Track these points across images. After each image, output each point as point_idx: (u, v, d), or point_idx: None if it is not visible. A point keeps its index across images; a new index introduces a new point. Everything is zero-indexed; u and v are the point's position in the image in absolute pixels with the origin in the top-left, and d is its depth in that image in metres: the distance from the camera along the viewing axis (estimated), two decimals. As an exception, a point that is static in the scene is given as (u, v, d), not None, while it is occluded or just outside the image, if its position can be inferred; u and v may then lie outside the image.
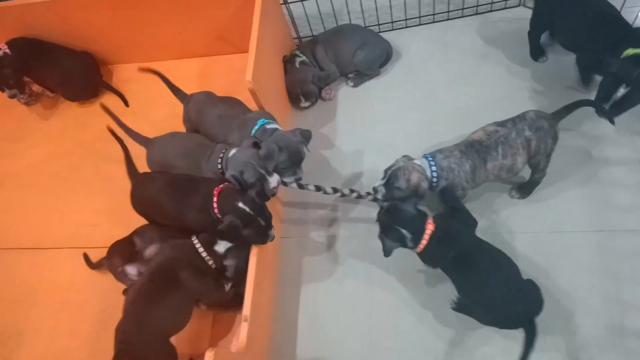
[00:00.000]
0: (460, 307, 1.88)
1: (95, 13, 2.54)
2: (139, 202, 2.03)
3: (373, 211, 1.95)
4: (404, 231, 1.71)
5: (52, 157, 2.67)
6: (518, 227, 2.01)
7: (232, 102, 2.18)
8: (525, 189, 2.05)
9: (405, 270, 2.02)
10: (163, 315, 1.72)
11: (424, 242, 1.71)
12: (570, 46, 2.16)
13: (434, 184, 1.84)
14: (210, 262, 1.78)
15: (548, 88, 2.27)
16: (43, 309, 2.26)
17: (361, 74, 2.47)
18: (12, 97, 2.64)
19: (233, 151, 1.91)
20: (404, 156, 1.88)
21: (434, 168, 1.82)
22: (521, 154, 1.83)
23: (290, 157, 1.92)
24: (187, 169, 2.01)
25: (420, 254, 1.78)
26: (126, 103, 2.70)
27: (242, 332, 1.71)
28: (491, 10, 2.57)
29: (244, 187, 1.85)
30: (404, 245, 1.74)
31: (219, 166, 1.94)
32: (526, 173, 2.00)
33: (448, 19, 2.60)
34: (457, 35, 2.55)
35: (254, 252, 1.84)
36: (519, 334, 1.64)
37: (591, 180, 2.05)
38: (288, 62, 2.44)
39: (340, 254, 2.13)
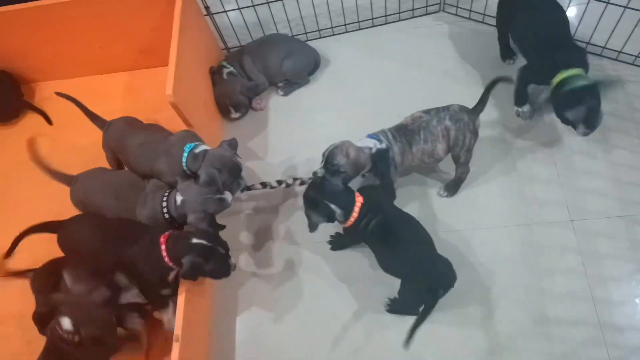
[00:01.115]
0: (393, 308, 1.91)
1: (8, 30, 2.42)
2: (67, 246, 1.91)
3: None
4: (333, 206, 1.73)
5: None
6: (443, 226, 2.06)
7: (153, 129, 2.12)
8: (451, 187, 2.11)
9: (339, 270, 2.05)
10: None
11: (354, 215, 1.74)
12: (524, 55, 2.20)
13: (383, 150, 1.87)
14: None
15: (475, 91, 2.32)
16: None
17: (291, 83, 2.48)
18: None
19: (179, 196, 1.84)
20: (341, 141, 1.89)
21: (382, 137, 1.89)
22: (441, 142, 1.90)
23: (230, 173, 1.92)
24: (115, 213, 1.92)
25: (347, 228, 1.81)
26: (49, 121, 2.59)
27: (173, 353, 1.67)
28: (413, 17, 2.64)
29: (209, 224, 1.81)
30: (332, 220, 1.76)
31: (164, 211, 1.86)
32: (452, 170, 2.07)
33: (373, 26, 2.65)
34: (382, 41, 2.60)
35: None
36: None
37: (511, 174, 2.14)
38: (215, 73, 2.41)
39: (276, 257, 2.14)
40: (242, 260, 2.15)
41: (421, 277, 1.71)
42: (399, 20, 2.65)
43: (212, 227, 1.79)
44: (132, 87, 2.67)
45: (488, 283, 1.93)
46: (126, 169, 2.16)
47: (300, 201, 2.06)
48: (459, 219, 2.07)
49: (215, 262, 1.72)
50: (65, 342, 1.69)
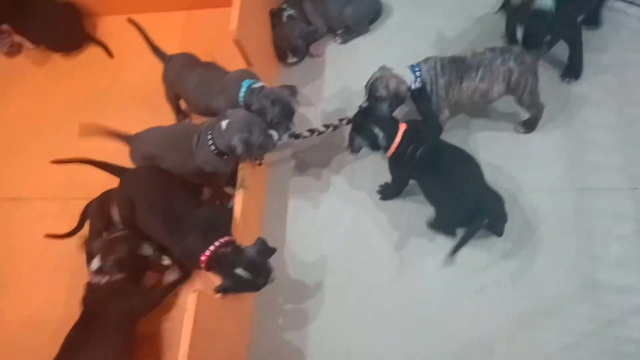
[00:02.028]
0: (434, 224, 1.93)
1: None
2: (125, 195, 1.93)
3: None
4: (376, 130, 1.77)
5: (33, 111, 2.63)
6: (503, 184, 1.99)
7: (211, 66, 2.13)
8: (529, 125, 2.06)
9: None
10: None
11: (397, 140, 1.78)
12: None
13: (417, 90, 1.89)
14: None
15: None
16: (22, 261, 2.27)
17: (349, 31, 2.44)
18: None
19: (224, 122, 1.82)
20: (380, 67, 1.93)
21: (418, 73, 1.88)
22: (499, 84, 1.86)
23: (283, 110, 1.90)
24: (175, 162, 1.95)
25: (390, 158, 1.84)
26: (110, 54, 2.64)
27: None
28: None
29: (250, 151, 1.81)
30: (375, 144, 1.80)
31: (212, 145, 1.85)
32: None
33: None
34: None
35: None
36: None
37: (569, 135, 2.06)
38: (275, 15, 2.39)
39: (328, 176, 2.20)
40: (291, 204, 2.19)
41: (466, 200, 1.73)
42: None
43: (263, 253, 1.72)
44: (189, 27, 2.69)
45: (535, 244, 1.91)
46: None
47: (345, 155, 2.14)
48: (507, 177, 2.02)
49: (249, 289, 1.73)
50: (96, 291, 1.80)
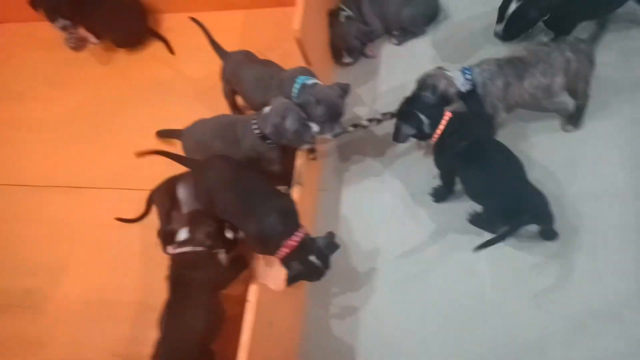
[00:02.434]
0: (474, 219, 1.93)
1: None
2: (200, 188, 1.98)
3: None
4: (421, 116, 1.80)
5: (94, 102, 2.73)
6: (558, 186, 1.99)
7: (268, 64, 2.18)
8: (575, 119, 2.04)
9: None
10: (194, 318, 1.78)
11: (440, 127, 1.80)
12: None
13: (466, 93, 1.92)
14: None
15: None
16: (82, 246, 2.37)
17: (406, 32, 2.45)
18: (63, 28, 2.64)
19: (266, 109, 1.91)
20: (436, 67, 1.96)
21: (468, 76, 1.90)
22: (560, 75, 1.86)
23: (328, 110, 1.92)
24: (221, 149, 2.01)
25: (434, 147, 1.86)
26: (171, 51, 2.73)
27: (282, 275, 1.78)
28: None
29: (284, 135, 1.86)
30: (421, 131, 1.82)
31: (256, 129, 1.91)
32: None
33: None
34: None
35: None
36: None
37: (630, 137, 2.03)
38: (333, 15, 2.42)
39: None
40: (344, 198, 2.22)
41: (506, 196, 1.73)
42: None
43: (330, 246, 1.79)
44: (247, 26, 2.75)
45: (594, 249, 1.88)
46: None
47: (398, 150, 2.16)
48: (563, 180, 2.00)
49: (314, 278, 1.79)
50: (183, 260, 1.86)
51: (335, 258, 2.05)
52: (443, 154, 1.89)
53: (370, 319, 1.97)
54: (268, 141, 1.93)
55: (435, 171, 2.01)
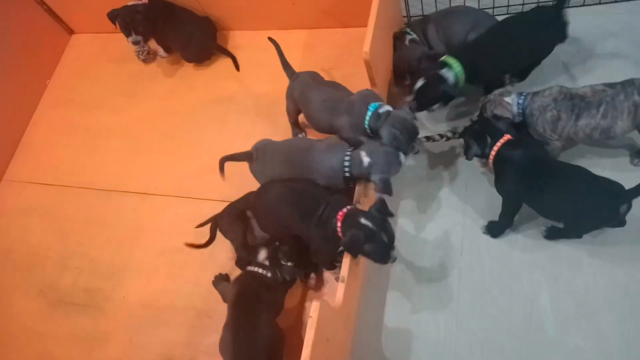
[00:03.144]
0: (550, 234, 1.95)
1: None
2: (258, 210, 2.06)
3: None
4: (487, 137, 1.89)
5: (161, 114, 2.86)
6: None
7: (335, 86, 2.22)
8: None
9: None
10: (264, 334, 1.82)
11: (498, 145, 1.86)
12: None
13: (519, 120, 1.97)
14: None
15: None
16: (145, 251, 2.46)
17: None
18: (135, 43, 2.78)
19: (365, 158, 1.92)
20: (503, 89, 2.04)
21: (520, 105, 1.96)
22: (624, 119, 1.82)
23: (410, 136, 1.98)
24: (288, 174, 2.04)
25: (495, 168, 1.90)
26: (237, 67, 2.83)
27: (339, 291, 1.81)
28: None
29: (390, 188, 1.92)
30: (484, 149, 1.89)
31: (346, 170, 1.96)
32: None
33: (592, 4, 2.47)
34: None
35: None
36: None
37: None
38: (398, 39, 2.45)
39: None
40: (401, 215, 2.23)
41: (597, 199, 1.73)
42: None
43: (382, 214, 1.81)
44: (309, 45, 2.82)
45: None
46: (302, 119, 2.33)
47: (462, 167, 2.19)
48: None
49: (375, 245, 1.76)
50: (259, 278, 1.93)
51: (388, 283, 2.09)
52: (506, 176, 1.89)
53: (421, 345, 1.96)
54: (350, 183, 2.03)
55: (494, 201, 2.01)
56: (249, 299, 1.89)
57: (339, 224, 1.81)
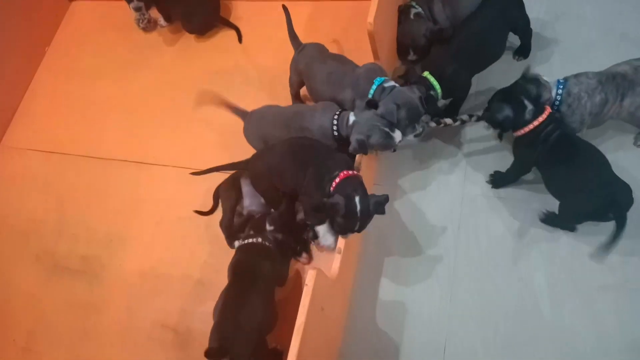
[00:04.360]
0: (547, 219, 1.94)
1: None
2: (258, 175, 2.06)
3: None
4: (526, 101, 1.81)
5: (162, 84, 2.82)
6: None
7: (341, 59, 2.20)
8: None
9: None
10: (253, 308, 1.79)
11: (540, 119, 1.80)
12: None
13: (555, 107, 1.88)
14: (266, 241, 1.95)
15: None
16: (143, 220, 2.45)
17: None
18: (136, 9, 2.73)
19: (352, 117, 1.93)
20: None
21: (560, 91, 1.86)
22: None
23: (409, 114, 1.94)
24: (285, 137, 2.04)
25: (522, 138, 1.85)
26: (240, 39, 2.79)
27: (335, 262, 1.81)
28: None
29: (366, 150, 1.90)
30: (520, 117, 1.82)
31: (334, 128, 1.96)
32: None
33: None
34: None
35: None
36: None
37: None
38: (402, 12, 2.41)
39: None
40: (400, 189, 2.22)
41: (603, 191, 1.71)
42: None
43: (375, 208, 1.78)
44: (314, 18, 2.77)
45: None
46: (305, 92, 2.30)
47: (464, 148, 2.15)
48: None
49: (344, 224, 1.75)
50: (256, 249, 1.94)
51: (384, 256, 2.09)
52: (533, 146, 1.85)
53: (416, 319, 1.96)
54: (341, 142, 1.98)
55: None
56: (247, 268, 1.89)
57: (338, 179, 1.79)
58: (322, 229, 2.00)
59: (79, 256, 2.44)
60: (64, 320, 2.32)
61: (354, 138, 1.90)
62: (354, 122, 1.92)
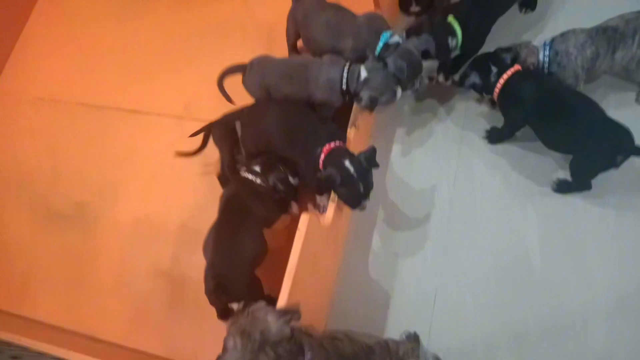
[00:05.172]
0: (560, 187, 1.93)
1: None
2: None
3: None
4: (492, 66, 1.86)
5: (157, 32, 2.77)
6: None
7: (340, 8, 2.13)
8: None
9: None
10: (244, 244, 1.80)
11: (504, 77, 1.83)
12: None
13: (546, 69, 1.88)
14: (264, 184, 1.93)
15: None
16: (137, 169, 2.45)
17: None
18: None
19: (363, 72, 1.89)
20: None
21: (547, 53, 1.86)
22: None
23: (413, 71, 1.92)
24: (288, 90, 2.02)
25: (502, 98, 1.88)
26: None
27: (329, 211, 1.82)
28: None
29: (374, 108, 1.89)
30: (487, 81, 1.87)
31: (344, 83, 1.92)
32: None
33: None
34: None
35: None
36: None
37: None
38: (405, -40, 2.34)
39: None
40: (396, 143, 2.21)
41: (598, 142, 1.70)
42: None
43: (369, 163, 1.78)
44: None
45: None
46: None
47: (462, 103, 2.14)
48: None
49: (349, 191, 1.76)
50: (248, 186, 1.92)
51: (379, 208, 2.09)
52: (514, 104, 1.87)
53: (407, 271, 1.98)
54: (346, 96, 1.95)
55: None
56: (237, 204, 1.88)
57: (322, 156, 1.79)
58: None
59: (73, 205, 2.44)
60: (59, 267, 2.33)
61: (366, 94, 1.87)
62: (366, 78, 1.89)
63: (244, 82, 2.13)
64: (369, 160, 1.78)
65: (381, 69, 1.89)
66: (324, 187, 1.78)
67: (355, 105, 2.02)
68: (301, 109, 1.98)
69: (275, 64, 2.08)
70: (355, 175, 1.73)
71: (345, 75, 1.92)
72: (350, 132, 1.97)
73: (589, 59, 1.82)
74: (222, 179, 2.16)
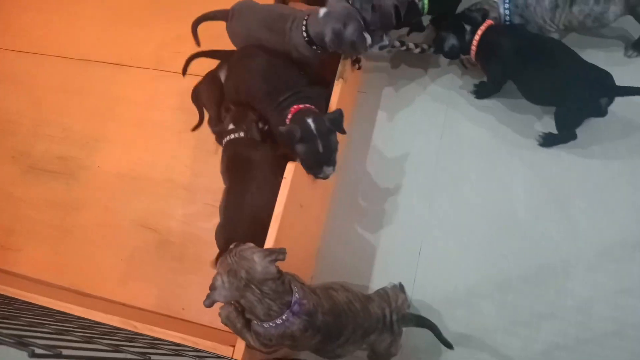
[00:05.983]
0: (546, 140, 1.93)
1: None
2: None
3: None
4: (465, 25, 1.87)
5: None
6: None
7: None
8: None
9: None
10: (255, 202, 1.74)
11: (479, 33, 1.85)
12: None
13: (507, 21, 1.89)
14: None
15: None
16: (121, 122, 2.40)
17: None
18: None
19: (323, 10, 1.77)
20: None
21: (507, 6, 1.86)
22: (617, 3, 1.75)
23: (381, 18, 1.81)
24: (267, 41, 1.93)
25: (480, 54, 1.87)
26: None
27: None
28: None
29: (340, 44, 1.77)
30: (463, 40, 1.88)
31: (304, 32, 1.82)
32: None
33: None
34: None
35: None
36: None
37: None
38: None
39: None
40: (383, 106, 2.18)
41: (580, 87, 1.71)
42: None
43: (334, 125, 1.70)
44: None
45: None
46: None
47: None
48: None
49: (306, 148, 1.67)
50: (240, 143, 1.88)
51: (366, 162, 2.08)
52: (496, 63, 1.86)
53: (394, 223, 1.99)
54: (313, 47, 1.85)
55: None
56: (239, 163, 1.84)
57: (290, 115, 1.73)
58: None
59: (56, 157, 2.40)
60: (43, 219, 2.30)
61: (328, 28, 1.74)
62: (326, 13, 1.76)
63: (227, 30, 2.06)
64: (333, 122, 1.69)
65: (343, 3, 1.78)
66: (285, 143, 1.69)
67: (342, 58, 1.96)
68: (289, 66, 1.91)
69: (257, 11, 1.99)
70: (315, 132, 1.65)
71: (304, 25, 1.81)
72: (337, 85, 1.92)
73: (547, 9, 1.82)
74: (212, 127, 2.12)
